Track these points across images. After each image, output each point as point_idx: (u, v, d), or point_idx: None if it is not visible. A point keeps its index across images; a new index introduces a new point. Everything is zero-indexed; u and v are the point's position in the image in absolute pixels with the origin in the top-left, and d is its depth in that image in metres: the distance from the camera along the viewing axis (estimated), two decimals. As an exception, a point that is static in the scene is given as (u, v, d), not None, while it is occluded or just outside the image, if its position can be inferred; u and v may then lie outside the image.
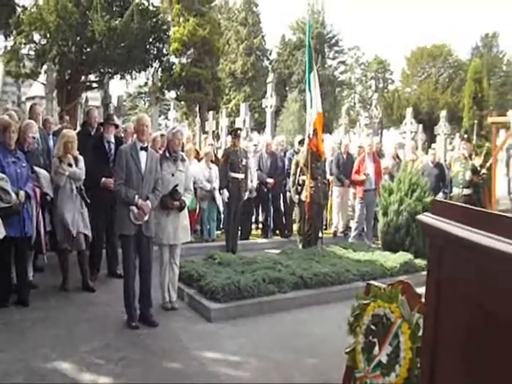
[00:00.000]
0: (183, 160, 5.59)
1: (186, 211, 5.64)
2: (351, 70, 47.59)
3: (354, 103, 46.98)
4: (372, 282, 3.50)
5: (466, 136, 8.70)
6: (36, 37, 18.97)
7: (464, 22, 73.76)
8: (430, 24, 77.60)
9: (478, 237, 0.99)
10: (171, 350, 4.48)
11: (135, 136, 5.22)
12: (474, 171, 7.84)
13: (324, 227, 9.98)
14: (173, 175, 5.40)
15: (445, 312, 1.22)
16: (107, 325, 5.01)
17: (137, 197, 4.90)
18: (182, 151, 8.13)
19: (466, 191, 7.95)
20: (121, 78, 21.95)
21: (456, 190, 8.15)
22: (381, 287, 3.24)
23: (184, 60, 27.77)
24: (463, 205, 1.16)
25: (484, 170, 7.77)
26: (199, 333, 4.95)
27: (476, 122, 9.94)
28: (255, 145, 10.51)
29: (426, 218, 1.24)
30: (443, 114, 16.58)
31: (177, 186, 5.32)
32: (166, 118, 36.78)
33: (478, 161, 7.92)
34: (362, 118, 33.78)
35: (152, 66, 22.36)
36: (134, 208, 4.89)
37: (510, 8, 72.74)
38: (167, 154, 5.49)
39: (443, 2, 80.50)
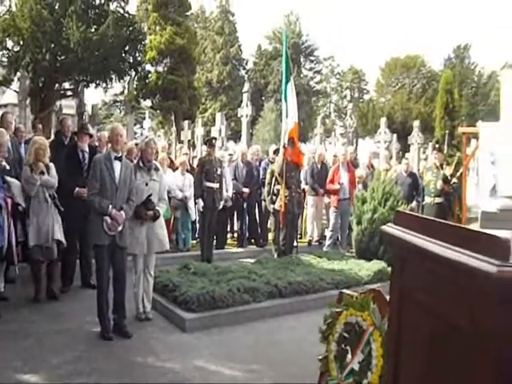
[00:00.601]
0: (157, 169, 5.58)
1: (162, 220, 5.62)
2: (327, 79, 48.08)
3: (330, 113, 47.43)
4: (344, 290, 3.54)
5: (437, 146, 8.89)
6: (9, 43, 18.70)
7: (437, 34, 75.27)
8: (403, 35, 78.93)
9: (435, 247, 1.02)
10: (145, 361, 4.45)
11: (109, 146, 5.20)
12: (445, 180, 8.00)
13: (299, 236, 10.04)
14: (146, 185, 5.39)
15: (407, 320, 1.25)
16: (80, 336, 4.95)
17: (110, 207, 4.87)
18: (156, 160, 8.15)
19: (438, 200, 8.10)
20: (96, 87, 21.77)
21: (428, 199, 8.30)
22: (353, 295, 3.28)
23: (160, 68, 27.72)
24: (422, 216, 1.21)
25: (455, 179, 7.94)
26: (173, 343, 4.92)
27: (447, 132, 10.15)
28: (230, 154, 10.54)
29: (389, 228, 1.28)
30: (416, 123, 16.88)
31: (150, 195, 5.31)
32: (142, 126, 36.62)
33: (448, 170, 8.09)
34: (337, 128, 34.20)
35: (128, 75, 22.23)
36: (107, 218, 4.86)
37: (481, 21, 74.51)
38: (141, 164, 5.48)
39: (417, 13, 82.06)
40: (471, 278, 0.90)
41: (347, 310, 3.30)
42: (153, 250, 5.49)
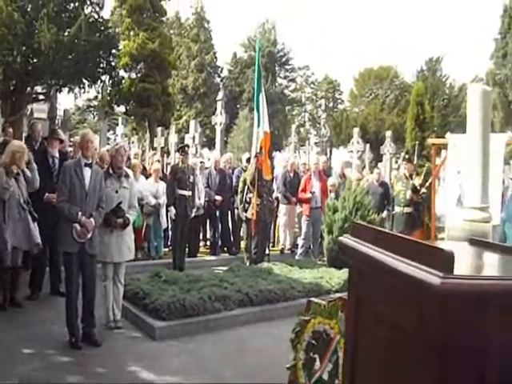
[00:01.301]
0: (127, 176, 5.55)
1: (130, 228, 5.59)
2: (301, 88, 48.46)
3: (304, 122, 47.79)
4: (313, 298, 3.57)
5: (407, 156, 9.05)
6: (-22, 46, 18.33)
7: (410, 46, 76.74)
8: (377, 46, 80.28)
9: (387, 259, 1.07)
10: (114, 370, 4.41)
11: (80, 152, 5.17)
12: (414, 190, 8.15)
13: (272, 244, 10.09)
14: (116, 192, 5.36)
15: (363, 329, 1.29)
16: (49, 345, 4.87)
17: (80, 214, 4.83)
18: (129, 167, 8.11)
19: (407, 209, 8.24)
20: (69, 91, 21.49)
21: (398, 209, 8.44)
22: (321, 304, 3.31)
23: (134, 75, 27.55)
24: (376, 228, 1.25)
25: (424, 189, 8.10)
26: (143, 352, 4.89)
27: (417, 142, 10.36)
28: (202, 162, 10.55)
29: (346, 239, 1.32)
30: (388, 134, 17.16)
31: (120, 203, 5.28)
32: (115, 133, 36.31)
33: (418, 180, 8.24)
34: (311, 137, 34.46)
35: (101, 80, 22.04)
36: (76, 225, 4.82)
37: (453, 34, 76.25)
38: (111, 171, 5.45)
39: (391, 24, 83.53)
40: (419, 289, 0.94)
41: (315, 319, 3.33)
42: (123, 257, 5.45)
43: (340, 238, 1.36)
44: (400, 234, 1.13)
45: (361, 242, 1.26)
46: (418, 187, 8.17)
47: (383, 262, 1.08)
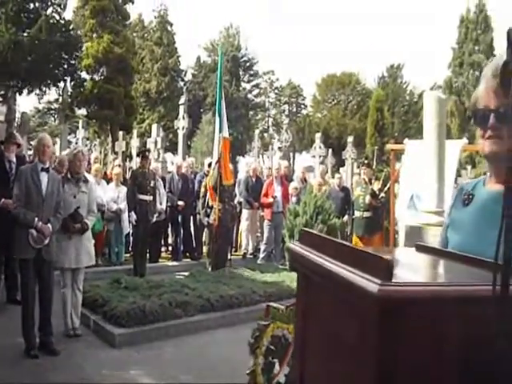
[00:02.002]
0: (86, 181, 5.49)
1: (89, 234, 5.52)
2: (265, 93, 48.70)
3: (268, 126, 48.00)
4: (271, 303, 3.59)
5: (366, 161, 9.22)
6: None
7: (372, 53, 78.17)
8: (339, 52, 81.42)
9: (331, 266, 1.09)
10: (72, 379, 4.34)
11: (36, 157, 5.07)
12: (373, 195, 8.31)
13: (234, 249, 10.09)
14: (75, 197, 5.28)
15: (310, 338, 1.32)
16: (4, 354, 4.75)
17: (36, 219, 4.74)
18: (89, 172, 7.99)
19: (366, 214, 8.40)
20: (29, 93, 21.02)
21: (357, 213, 8.59)
22: (279, 308, 3.33)
23: (96, 77, 27.14)
24: (323, 235, 1.27)
25: (382, 194, 8.26)
26: (103, 360, 4.83)
27: (377, 148, 10.59)
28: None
29: (294, 246, 1.34)
30: (350, 139, 17.43)
31: (78, 208, 5.21)
32: (76, 136, 35.63)
33: (377, 185, 8.40)
34: (275, 142, 34.64)
35: (63, 82, 21.63)
36: (33, 231, 4.73)
37: (413, 43, 78.10)
38: (69, 176, 5.37)
39: (354, 31, 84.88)
40: (358, 296, 0.97)
41: (274, 323, 3.36)
42: (81, 263, 5.37)
43: (288, 245, 1.38)
44: (343, 242, 1.15)
45: (308, 249, 1.28)
46: (377, 192, 8.34)
47: (327, 269, 1.10)
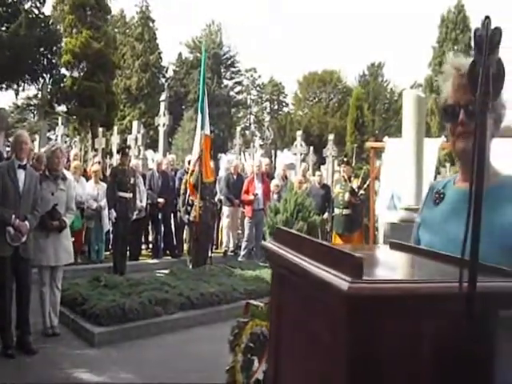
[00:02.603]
0: (64, 179, 5.43)
1: (68, 231, 5.46)
2: (247, 91, 48.65)
3: (250, 124, 47.98)
4: (251, 300, 3.61)
5: (345, 159, 9.28)
6: None
7: (353, 51, 78.64)
8: (321, 50, 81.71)
9: (304, 264, 1.10)
10: (50, 378, 4.30)
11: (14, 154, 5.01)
12: (352, 192, 8.36)
13: (215, 247, 10.08)
14: (53, 194, 5.23)
15: (284, 337, 1.33)
16: (-20, 355, 4.69)
17: (13, 217, 4.68)
18: (68, 169, 7.91)
19: (346, 211, 8.44)
20: (7, 89, 20.70)
21: (337, 211, 8.63)
22: (258, 306, 3.34)
23: (76, 73, 26.83)
24: (297, 233, 1.28)
25: (362, 191, 8.33)
26: (81, 359, 4.79)
27: (356, 145, 10.67)
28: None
29: (269, 244, 1.34)
30: (331, 137, 17.51)
31: (56, 205, 5.15)
32: (56, 133, 35.19)
33: (356, 183, 8.46)
34: (256, 139, 34.70)
35: (42, 78, 21.34)
36: (10, 229, 4.67)
37: (394, 41, 78.70)
38: (47, 173, 5.31)
39: (335, 29, 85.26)
40: (330, 294, 0.98)
41: (253, 321, 3.36)
42: (60, 261, 5.31)
43: (263, 243, 1.38)
44: (315, 239, 1.16)
45: (281, 246, 1.28)
46: (356, 189, 8.39)
47: (299, 266, 1.11)
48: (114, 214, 7.93)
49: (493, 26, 0.91)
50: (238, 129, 21.74)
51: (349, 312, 0.93)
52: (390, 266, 1.31)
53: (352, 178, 8.54)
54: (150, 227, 9.90)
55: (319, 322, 1.08)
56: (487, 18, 0.90)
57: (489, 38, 0.89)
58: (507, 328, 1.12)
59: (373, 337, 0.94)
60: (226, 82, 45.78)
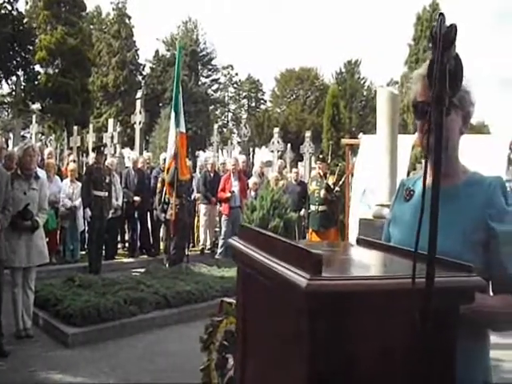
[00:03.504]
0: (37, 178, 5.33)
1: (41, 231, 5.37)
2: (225, 88, 48.56)
3: (227, 121, 47.94)
4: (225, 298, 3.59)
5: (321, 156, 9.31)
6: None
7: (330, 48, 79.09)
8: (298, 47, 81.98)
9: (266, 261, 1.09)
10: (23, 380, 4.23)
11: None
12: (328, 189, 8.39)
13: (192, 245, 10.04)
14: (25, 194, 5.13)
15: (250, 335, 1.32)
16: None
17: (-17, 217, 4.58)
18: (42, 168, 7.78)
19: (322, 208, 8.47)
20: (-21, 86, 20.31)
21: (313, 207, 8.65)
22: (232, 303, 3.33)
23: (51, 70, 26.45)
24: (261, 230, 1.27)
25: (337, 188, 8.36)
26: (55, 360, 4.72)
27: (332, 143, 10.77)
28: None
29: (233, 242, 1.34)
30: (308, 134, 17.60)
31: (28, 205, 5.06)
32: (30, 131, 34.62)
33: (331, 179, 8.49)
34: (234, 137, 34.66)
35: (16, 75, 20.98)
36: (-21, 229, 4.57)
37: (371, 39, 79.26)
38: (19, 172, 5.21)
39: (312, 26, 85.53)
40: (290, 291, 0.97)
41: (227, 319, 3.35)
42: (33, 262, 5.22)
43: (229, 241, 1.38)
44: (278, 236, 1.16)
45: (246, 244, 1.28)
46: (332, 186, 8.42)
47: (261, 263, 1.11)
48: (88, 213, 7.84)
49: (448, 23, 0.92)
50: (216, 126, 21.70)
51: (308, 309, 0.93)
52: (353, 262, 1.32)
53: (328, 175, 8.57)
54: (126, 226, 9.80)
55: (281, 319, 1.08)
56: (441, 14, 0.91)
57: (443, 35, 0.90)
58: (465, 322, 1.14)
59: (331, 333, 0.94)
60: (203, 79, 45.59)
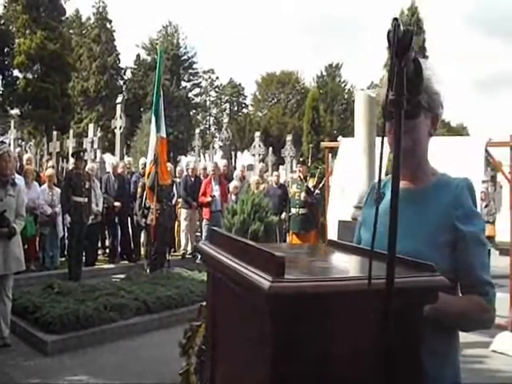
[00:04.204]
0: (14, 184, 5.26)
1: (18, 238, 5.30)
2: (206, 92, 48.51)
3: (209, 125, 47.89)
4: (204, 303, 3.59)
5: (301, 159, 9.35)
6: None
7: (311, 52, 79.57)
8: (279, 51, 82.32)
9: (233, 265, 1.10)
10: (0, 389, 4.17)
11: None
12: (308, 192, 8.44)
13: (173, 249, 9.99)
14: (1, 200, 5.06)
15: (219, 337, 1.33)
16: None
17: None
18: (20, 174, 7.68)
19: (302, 211, 8.51)
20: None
21: (293, 210, 8.69)
22: (212, 308, 3.33)
23: (30, 75, 26.18)
24: (230, 235, 1.28)
25: (317, 191, 8.41)
26: (34, 369, 4.66)
27: (312, 146, 10.83)
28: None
29: (204, 246, 1.34)
30: (289, 137, 17.67)
31: (5, 211, 4.99)
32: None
33: (312, 182, 8.53)
34: (216, 141, 34.60)
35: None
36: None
37: (352, 42, 79.90)
38: (-5, 178, 5.15)
39: (293, 29, 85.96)
40: (254, 294, 0.98)
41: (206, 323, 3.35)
42: (9, 269, 5.14)
43: (199, 245, 1.38)
44: (245, 240, 1.17)
45: (215, 247, 1.29)
46: (312, 189, 8.46)
47: (227, 266, 1.12)
48: (68, 219, 7.76)
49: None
50: (197, 131, 21.67)
51: (270, 310, 0.94)
52: (319, 264, 1.33)
53: (308, 178, 8.61)
54: (106, 232, 9.72)
55: (247, 322, 1.09)
56: (395, 20, 0.92)
57: (399, 40, 0.92)
58: (433, 323, 1.16)
59: (293, 335, 0.95)
60: (184, 83, 45.48)
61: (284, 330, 0.94)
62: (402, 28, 0.92)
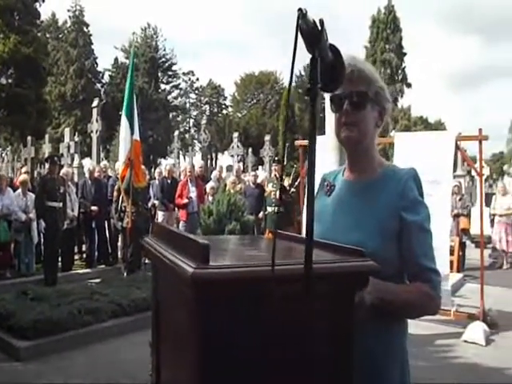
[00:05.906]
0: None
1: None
2: (186, 94, 48.36)
3: (189, 128, 47.72)
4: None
5: (277, 158, 9.39)
6: None
7: (289, 52, 79.47)
8: (258, 51, 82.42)
9: (166, 254, 1.12)
10: (-30, 398, 4.12)
11: None
12: (284, 190, 8.47)
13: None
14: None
15: (161, 328, 1.35)
16: None
17: None
18: None
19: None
20: None
21: (270, 209, 8.72)
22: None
23: (4, 80, 25.83)
24: (166, 226, 1.30)
25: (293, 189, 8.45)
26: (8, 375, 4.62)
27: (287, 144, 10.86)
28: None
29: (148, 240, 1.36)
30: (267, 138, 17.72)
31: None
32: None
33: (287, 181, 8.57)
34: (196, 142, 34.54)
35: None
36: None
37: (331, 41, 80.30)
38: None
39: (271, 29, 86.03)
40: (181, 281, 1.00)
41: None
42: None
43: (144, 240, 1.39)
44: (176, 230, 1.19)
45: (155, 240, 1.30)
46: (288, 187, 8.50)
47: (160, 257, 1.13)
48: (42, 224, 7.71)
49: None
50: (176, 133, 21.59)
51: (194, 296, 0.96)
52: (250, 253, 1.34)
53: (283, 177, 8.64)
54: (83, 236, 9.65)
55: (179, 309, 1.11)
56: (300, 10, 0.93)
57: (309, 30, 0.93)
58: (359, 306, 1.18)
59: (216, 320, 0.96)
60: (163, 86, 45.30)
61: (208, 316, 0.96)
62: (309, 18, 0.93)
